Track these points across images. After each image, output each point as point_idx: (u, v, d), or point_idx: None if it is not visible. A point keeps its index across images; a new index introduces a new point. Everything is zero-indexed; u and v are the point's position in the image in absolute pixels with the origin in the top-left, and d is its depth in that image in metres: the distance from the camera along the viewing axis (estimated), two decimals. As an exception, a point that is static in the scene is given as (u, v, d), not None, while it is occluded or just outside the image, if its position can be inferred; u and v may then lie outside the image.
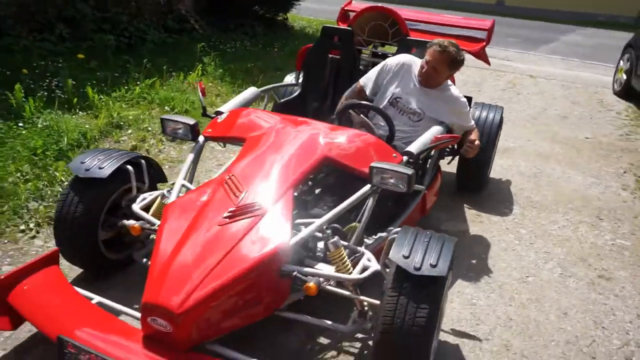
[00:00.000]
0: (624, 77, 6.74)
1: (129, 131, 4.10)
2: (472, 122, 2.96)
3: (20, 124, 3.59)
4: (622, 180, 4.19)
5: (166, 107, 4.57)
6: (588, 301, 2.60)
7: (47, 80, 4.33)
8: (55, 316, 1.87)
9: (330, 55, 3.40)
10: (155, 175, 2.55)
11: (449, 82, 2.95)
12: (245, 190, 2.07)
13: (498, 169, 4.11)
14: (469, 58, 3.40)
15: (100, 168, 2.24)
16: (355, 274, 1.96)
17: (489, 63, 4.22)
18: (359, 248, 2.10)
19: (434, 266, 1.75)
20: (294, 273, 1.92)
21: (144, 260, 2.39)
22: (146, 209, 2.28)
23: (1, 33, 4.92)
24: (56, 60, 4.91)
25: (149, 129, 4.17)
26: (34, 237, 2.74)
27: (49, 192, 3.07)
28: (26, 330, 2.07)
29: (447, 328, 2.30)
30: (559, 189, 3.94)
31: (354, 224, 2.24)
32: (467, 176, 3.56)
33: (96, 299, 2.02)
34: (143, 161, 2.44)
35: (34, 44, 5.07)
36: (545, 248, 3.06)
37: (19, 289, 1.94)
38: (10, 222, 2.79)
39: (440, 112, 2.84)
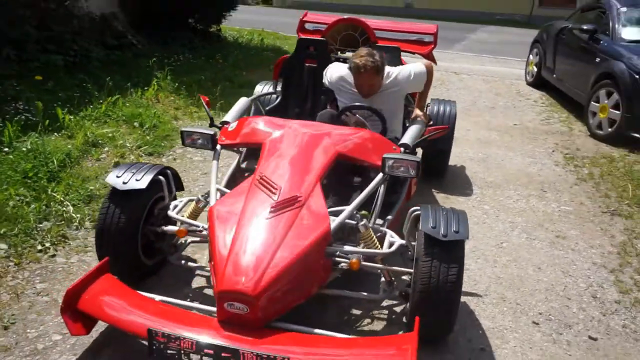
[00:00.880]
0: (535, 69, 7.65)
1: (106, 149, 4.17)
2: (423, 73, 3.22)
3: (6, 149, 3.57)
4: (553, 158, 4.88)
5: (135, 124, 4.66)
6: (553, 256, 3.14)
7: (13, 104, 4.27)
8: (133, 315, 2.05)
9: (306, 64, 3.72)
10: (177, 184, 2.74)
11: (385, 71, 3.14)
12: (280, 188, 2.35)
13: (452, 157, 4.63)
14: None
15: (137, 180, 2.42)
16: (385, 249, 2.32)
17: (436, 63, 4.74)
18: (381, 228, 2.46)
19: (457, 232, 2.14)
20: (337, 252, 2.25)
21: (182, 262, 2.60)
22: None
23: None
24: (10, 83, 4.81)
25: (126, 145, 4.26)
26: (53, 255, 2.82)
27: (53, 212, 3.13)
28: (88, 335, 2.21)
29: (452, 290, 2.72)
30: (505, 169, 4.53)
31: (363, 211, 2.59)
32: (431, 164, 4.02)
33: (158, 297, 2.21)
34: (169, 172, 2.63)
35: (-19, 69, 4.94)
36: (509, 219, 3.59)
37: (86, 297, 2.09)
38: (25, 243, 2.85)
39: (395, 100, 3.19)
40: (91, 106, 4.70)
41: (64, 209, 3.18)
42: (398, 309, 2.53)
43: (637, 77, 4.96)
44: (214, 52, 7.93)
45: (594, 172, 4.51)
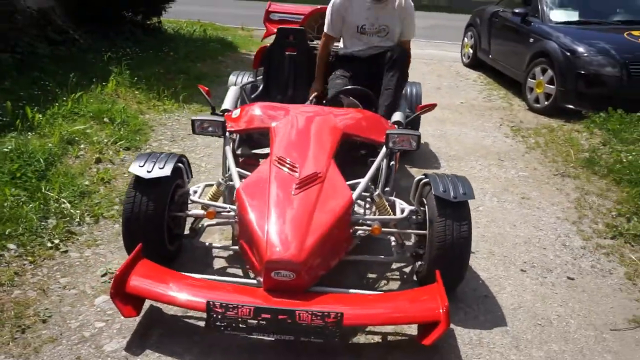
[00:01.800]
0: (471, 51, 8.22)
1: (82, 145, 4.12)
2: (413, 33, 3.76)
3: (-13, 151, 3.47)
4: (502, 131, 5.38)
5: (105, 119, 4.60)
6: (523, 215, 3.56)
7: (-24, 105, 4.10)
8: (184, 292, 2.18)
9: (287, 53, 3.89)
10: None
11: None
12: (299, 166, 2.54)
13: (415, 135, 5.00)
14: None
15: (160, 168, 2.51)
16: (398, 215, 2.59)
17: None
18: (389, 197, 2.72)
19: (464, 194, 2.44)
20: (360, 220, 2.49)
21: (208, 243, 2.73)
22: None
23: None
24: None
25: (102, 141, 4.22)
26: (65, 251, 2.84)
27: (52, 210, 3.12)
28: (131, 319, 2.30)
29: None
30: (464, 143, 4.95)
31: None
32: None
33: (197, 276, 2.34)
34: (185, 159, 2.73)
35: None
36: (479, 186, 3.98)
37: (132, 281, 2.19)
38: (34, 242, 2.84)
39: (395, 21, 3.60)
40: (57, 104, 4.58)
41: (62, 206, 3.17)
42: (407, 269, 2.81)
43: (568, 54, 5.55)
44: (160, 45, 7.80)
45: (539, 141, 5.04)
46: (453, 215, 2.41)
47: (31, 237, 2.87)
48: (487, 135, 5.21)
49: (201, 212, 2.60)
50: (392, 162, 3.21)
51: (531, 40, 6.17)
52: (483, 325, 2.42)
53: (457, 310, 2.49)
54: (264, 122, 2.94)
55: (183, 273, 2.34)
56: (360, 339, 2.29)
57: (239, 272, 2.74)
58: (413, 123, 3.42)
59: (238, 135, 3.33)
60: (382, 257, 2.66)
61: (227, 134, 2.92)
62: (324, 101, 3.43)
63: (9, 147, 3.53)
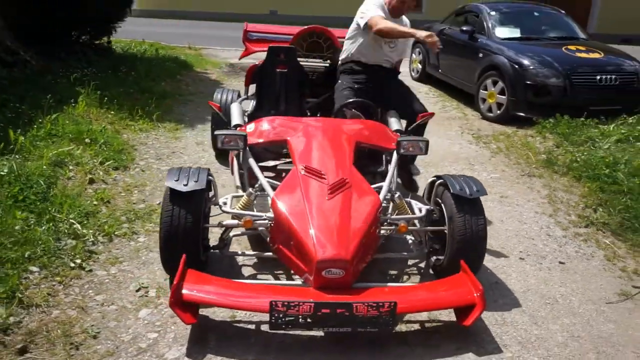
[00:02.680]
0: (420, 66, 8.75)
1: (70, 167, 4.05)
2: None
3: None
4: (464, 138, 5.81)
5: (87, 140, 4.53)
6: (506, 211, 3.92)
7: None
8: (243, 296, 2.28)
9: (278, 70, 4.06)
10: None
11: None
12: (326, 173, 2.72)
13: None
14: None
15: (195, 182, 2.60)
16: (417, 214, 2.83)
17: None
18: (406, 199, 2.96)
19: (477, 191, 2.72)
20: (388, 220, 2.70)
21: (240, 252, 2.83)
22: None
23: None
24: None
25: (92, 162, 4.16)
26: (90, 270, 2.83)
27: (63, 231, 3.08)
28: (183, 328, 2.36)
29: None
30: (435, 150, 5.28)
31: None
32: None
33: (243, 281, 2.45)
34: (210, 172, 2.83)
35: None
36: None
37: (187, 290, 2.26)
38: (55, 263, 2.80)
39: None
40: (35, 126, 4.45)
41: (73, 227, 3.14)
42: (422, 265, 3.05)
43: (517, 67, 6.12)
44: (116, 65, 7.66)
45: (500, 146, 5.51)
46: (470, 211, 2.69)
47: (51, 258, 2.83)
48: (453, 143, 5.62)
49: (235, 222, 2.70)
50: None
51: (480, 55, 6.72)
52: (502, 308, 2.70)
53: (477, 297, 2.74)
54: (281, 135, 3.09)
55: (229, 279, 2.44)
56: (402, 327, 2.48)
57: (269, 277, 2.85)
58: (419, 131, 3.67)
59: (241, 151, 3.46)
60: (405, 253, 2.88)
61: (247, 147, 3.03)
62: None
63: (4, 171, 3.43)
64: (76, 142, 4.52)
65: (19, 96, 5.13)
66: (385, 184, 2.83)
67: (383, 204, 2.90)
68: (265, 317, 2.42)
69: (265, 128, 3.16)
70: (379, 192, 2.74)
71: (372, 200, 2.64)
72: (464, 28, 7.16)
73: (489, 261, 3.16)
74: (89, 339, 2.29)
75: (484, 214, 2.72)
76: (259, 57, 4.72)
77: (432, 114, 3.64)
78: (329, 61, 4.20)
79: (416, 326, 2.50)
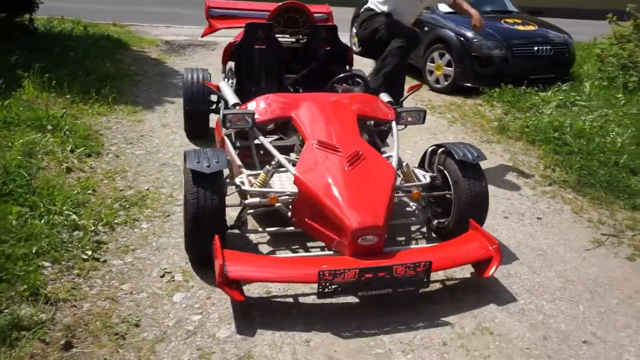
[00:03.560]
0: (361, 41, 8.91)
1: (39, 156, 3.80)
2: None
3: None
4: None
5: (48, 126, 4.25)
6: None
7: None
8: (285, 269, 2.36)
9: (256, 47, 4.03)
10: None
11: None
12: (340, 146, 2.82)
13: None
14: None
15: (217, 162, 2.60)
16: (424, 181, 3.01)
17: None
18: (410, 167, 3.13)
19: (478, 156, 2.95)
20: (403, 187, 2.86)
21: (260, 229, 2.86)
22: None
23: None
24: None
25: (61, 150, 3.94)
26: (104, 261, 2.76)
27: (61, 223, 2.94)
28: (224, 307, 2.40)
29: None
30: (397, 122, 5.54)
31: None
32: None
33: (277, 255, 2.52)
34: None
35: None
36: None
37: (231, 268, 2.29)
38: (64, 256, 2.69)
39: None
40: (-14, 115, 4.11)
41: (70, 218, 3.00)
42: (423, 229, 3.26)
43: (462, 39, 6.46)
44: (47, 45, 7.13)
45: (455, 116, 5.85)
46: (474, 175, 2.92)
47: (60, 252, 2.72)
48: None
49: (257, 200, 2.73)
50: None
51: (426, 28, 7.00)
52: (504, 262, 2.96)
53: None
54: (285, 112, 3.13)
55: (265, 255, 2.49)
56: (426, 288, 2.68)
57: (287, 252, 2.92)
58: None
59: (233, 131, 3.46)
60: (413, 219, 3.07)
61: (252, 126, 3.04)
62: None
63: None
64: (37, 129, 4.24)
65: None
66: (394, 154, 2.99)
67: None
68: (301, 288, 2.55)
69: (268, 105, 3.17)
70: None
71: (388, 169, 2.78)
72: (407, 2, 7.38)
73: (479, 222, 3.43)
74: (132, 328, 2.27)
75: (485, 177, 2.96)
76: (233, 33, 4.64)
77: (421, 85, 3.82)
78: (305, 37, 4.23)
79: (438, 285, 2.71)
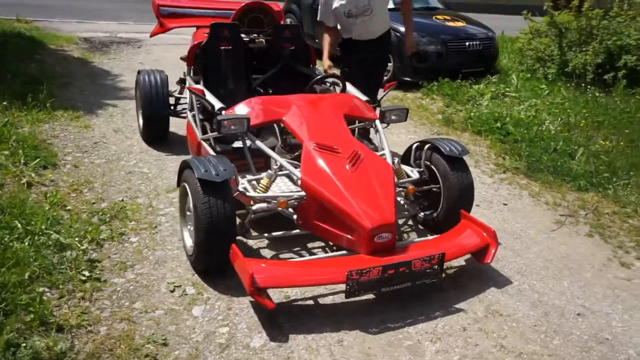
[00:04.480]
0: (293, 36, 8.94)
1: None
2: None
3: None
4: (367, 105, 6.27)
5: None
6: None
7: None
8: (311, 272, 2.38)
9: (222, 48, 3.94)
10: None
11: None
12: (337, 147, 2.88)
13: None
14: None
15: (224, 170, 2.55)
16: (413, 176, 3.14)
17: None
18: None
19: (462, 150, 3.14)
20: (399, 184, 2.98)
21: (266, 234, 2.84)
22: None
23: None
24: None
25: (15, 163, 3.61)
26: (105, 280, 2.60)
27: (46, 243, 2.72)
28: (249, 316, 2.38)
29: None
30: (349, 118, 5.67)
31: None
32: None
33: (299, 258, 2.53)
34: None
35: None
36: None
37: (259, 276, 2.28)
38: (60, 280, 2.51)
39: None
40: None
41: (52, 237, 2.78)
42: (409, 222, 3.41)
43: (399, 35, 6.71)
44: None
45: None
46: (460, 168, 3.10)
47: (55, 275, 2.52)
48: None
49: (264, 205, 2.71)
50: None
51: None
52: (489, 247, 3.20)
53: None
54: (275, 115, 3.11)
55: (284, 260, 2.50)
56: (430, 277, 2.82)
57: (291, 255, 2.93)
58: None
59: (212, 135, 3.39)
60: (405, 213, 3.21)
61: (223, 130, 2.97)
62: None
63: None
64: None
65: None
66: (386, 152, 3.09)
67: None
68: (318, 290, 2.59)
69: (256, 109, 3.13)
70: None
71: (386, 167, 2.89)
72: None
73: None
74: (161, 347, 2.18)
75: (469, 169, 3.16)
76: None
77: (396, 83, 3.96)
78: (269, 37, 4.19)
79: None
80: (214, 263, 2.59)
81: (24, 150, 3.82)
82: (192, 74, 4.04)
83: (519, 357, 2.31)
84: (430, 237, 2.90)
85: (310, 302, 2.55)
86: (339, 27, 4.10)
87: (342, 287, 2.41)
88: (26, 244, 2.64)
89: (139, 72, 4.41)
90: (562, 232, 3.54)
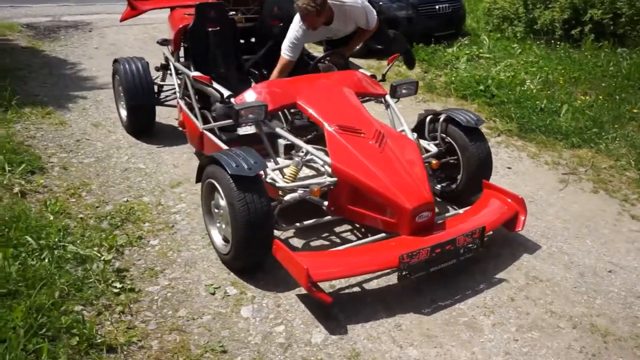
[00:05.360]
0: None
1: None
2: (374, 17, 3.66)
3: None
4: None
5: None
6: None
7: None
8: (362, 260, 2.33)
9: (209, 29, 3.71)
10: None
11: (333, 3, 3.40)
12: (360, 128, 2.80)
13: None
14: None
15: (255, 162, 2.43)
16: (432, 150, 3.11)
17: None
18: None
19: (478, 120, 3.12)
20: (424, 159, 2.94)
21: (298, 224, 2.74)
22: None
23: None
24: None
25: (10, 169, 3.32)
26: (139, 290, 2.44)
27: (64, 257, 2.53)
28: (300, 310, 2.31)
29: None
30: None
31: None
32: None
33: (342, 247, 2.48)
34: None
35: None
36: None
37: (312, 271, 2.20)
38: (92, 295, 2.34)
39: (340, 32, 3.66)
40: None
41: (71, 249, 2.59)
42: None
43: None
44: None
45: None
46: (478, 138, 3.10)
47: (85, 291, 2.35)
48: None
49: (296, 195, 2.61)
50: None
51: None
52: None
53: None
54: (288, 99, 2.98)
55: (326, 251, 2.44)
56: (464, 250, 2.83)
57: (322, 241, 2.86)
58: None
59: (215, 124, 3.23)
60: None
61: None
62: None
63: None
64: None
65: None
66: (405, 128, 3.04)
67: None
68: (363, 276, 2.54)
69: (268, 95, 2.99)
70: None
71: (411, 144, 2.84)
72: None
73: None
74: (221, 355, 2.09)
75: (486, 138, 3.15)
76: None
77: (398, 55, 3.87)
78: (257, 15, 3.98)
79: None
80: (253, 260, 2.49)
81: (5, 156, 3.51)
82: (179, 60, 3.80)
83: (570, 320, 2.36)
84: (459, 210, 2.89)
85: (357, 288, 2.51)
86: None
87: (385, 270, 2.38)
88: (46, 260, 2.44)
89: (116, 61, 4.11)
90: (569, 190, 3.63)
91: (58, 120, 4.43)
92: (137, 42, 7.24)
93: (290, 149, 3.01)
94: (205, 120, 3.36)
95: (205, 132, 3.27)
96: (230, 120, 3.00)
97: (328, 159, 2.64)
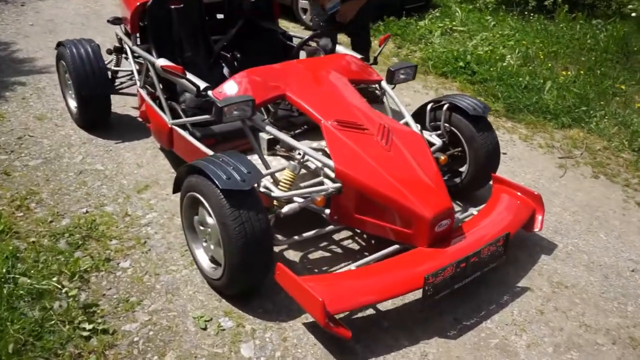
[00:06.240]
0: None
1: None
2: None
3: None
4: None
5: None
6: (423, 118, 4.17)
7: None
8: (382, 284, 2.01)
9: (173, 7, 3.20)
10: None
11: None
12: (361, 122, 2.44)
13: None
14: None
15: (249, 172, 2.04)
16: (438, 143, 2.79)
17: None
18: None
19: (485, 108, 2.82)
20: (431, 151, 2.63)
21: (296, 237, 2.37)
22: None
23: None
24: None
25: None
26: (113, 331, 2.03)
27: (11, 293, 2.07)
28: (312, 342, 1.98)
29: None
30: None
31: None
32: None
33: (354, 265, 2.15)
34: None
35: None
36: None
37: (327, 302, 1.86)
38: (57, 342, 1.92)
39: None
40: None
41: (22, 280, 2.13)
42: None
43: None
44: None
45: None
46: (485, 127, 2.81)
47: (49, 338, 1.92)
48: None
49: (295, 205, 2.23)
50: None
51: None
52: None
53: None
54: (275, 91, 2.57)
55: (332, 273, 2.11)
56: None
57: (322, 252, 2.52)
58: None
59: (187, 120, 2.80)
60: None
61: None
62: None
63: None
64: None
65: None
66: (408, 120, 2.71)
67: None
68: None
69: (250, 86, 2.56)
70: None
71: (419, 139, 2.52)
72: None
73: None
74: (225, 411, 1.73)
75: (493, 127, 2.87)
76: None
77: (390, 36, 3.50)
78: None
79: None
80: (251, 285, 2.13)
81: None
82: (138, 43, 3.27)
83: (607, 335, 2.15)
84: (473, 211, 2.59)
85: (371, 310, 2.19)
86: None
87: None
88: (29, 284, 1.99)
89: (60, 44, 3.53)
90: (569, 177, 3.43)
91: (-7, 115, 3.82)
92: (79, 17, 6.49)
93: (274, 143, 2.62)
94: (174, 114, 2.90)
95: (175, 127, 2.82)
96: (206, 115, 2.58)
97: (330, 162, 2.27)
